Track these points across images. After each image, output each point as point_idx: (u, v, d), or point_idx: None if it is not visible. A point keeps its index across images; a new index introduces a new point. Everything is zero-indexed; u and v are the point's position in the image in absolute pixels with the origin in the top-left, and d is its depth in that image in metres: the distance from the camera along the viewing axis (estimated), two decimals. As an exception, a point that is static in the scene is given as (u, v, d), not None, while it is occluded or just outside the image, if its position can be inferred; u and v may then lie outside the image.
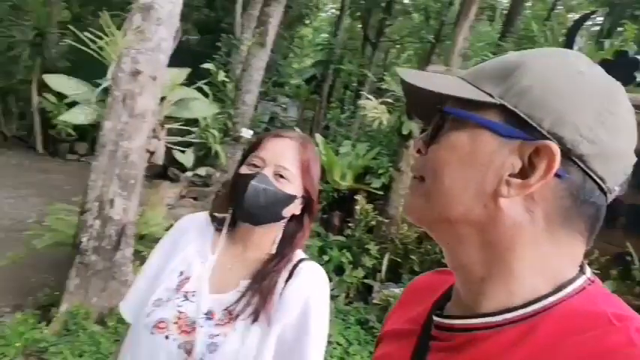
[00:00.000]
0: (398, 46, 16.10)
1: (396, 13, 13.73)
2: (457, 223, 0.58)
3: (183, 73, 5.08)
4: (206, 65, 6.67)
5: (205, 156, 6.42)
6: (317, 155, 1.27)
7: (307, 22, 13.89)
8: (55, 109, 8.27)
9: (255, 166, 1.17)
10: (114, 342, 3.31)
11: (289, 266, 1.20)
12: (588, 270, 0.58)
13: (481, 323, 0.58)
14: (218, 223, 1.27)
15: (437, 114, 0.62)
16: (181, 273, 1.19)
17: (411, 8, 14.07)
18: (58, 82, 5.13)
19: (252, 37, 6.99)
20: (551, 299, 0.54)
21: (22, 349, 3.15)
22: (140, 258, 4.10)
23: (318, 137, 6.16)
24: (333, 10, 17.07)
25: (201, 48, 8.98)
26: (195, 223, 1.29)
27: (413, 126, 5.06)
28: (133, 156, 3.54)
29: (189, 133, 5.52)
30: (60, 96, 7.02)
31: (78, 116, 4.75)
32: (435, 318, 0.65)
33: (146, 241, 4.30)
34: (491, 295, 0.58)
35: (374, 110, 5.41)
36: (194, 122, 5.76)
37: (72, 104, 5.33)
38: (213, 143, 6.16)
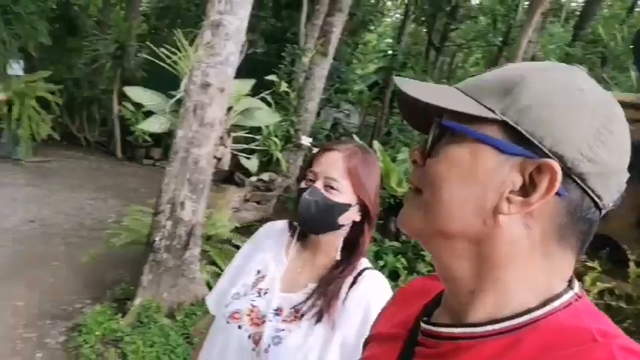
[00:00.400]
0: (465, 50, 15.74)
1: (461, 17, 13.41)
2: (453, 238, 0.57)
3: (248, 84, 5.28)
4: (270, 77, 6.88)
5: (268, 162, 6.58)
6: (371, 163, 1.30)
7: (371, 27, 13.77)
8: (132, 117, 8.74)
9: (310, 180, 1.28)
10: (181, 335, 3.45)
11: (354, 273, 1.26)
12: (577, 285, 0.57)
13: (466, 333, 0.57)
14: (293, 231, 1.39)
15: (434, 126, 0.59)
16: (258, 272, 1.33)
17: (476, 12, 13.76)
18: (136, 93, 5.50)
19: (315, 47, 7.11)
20: (537, 313, 0.54)
21: (100, 338, 3.35)
22: (207, 257, 4.23)
23: (376, 144, 6.14)
24: (398, 15, 16.89)
25: (266, 58, 9.19)
26: (275, 229, 1.43)
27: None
28: (202, 162, 3.69)
29: (254, 140, 5.71)
30: (137, 105, 7.46)
31: (153, 125, 5.06)
32: (422, 324, 0.65)
33: (212, 241, 4.43)
34: (480, 306, 0.57)
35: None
36: (258, 130, 5.95)
37: (148, 113, 5.68)
38: (275, 150, 6.35)
